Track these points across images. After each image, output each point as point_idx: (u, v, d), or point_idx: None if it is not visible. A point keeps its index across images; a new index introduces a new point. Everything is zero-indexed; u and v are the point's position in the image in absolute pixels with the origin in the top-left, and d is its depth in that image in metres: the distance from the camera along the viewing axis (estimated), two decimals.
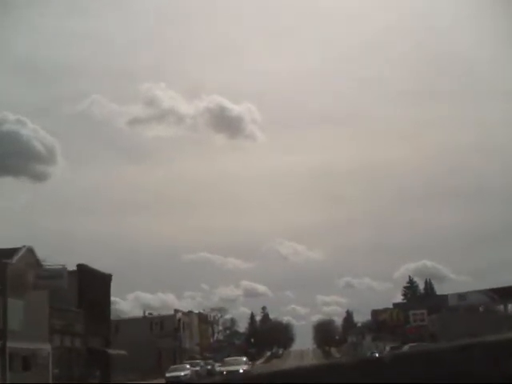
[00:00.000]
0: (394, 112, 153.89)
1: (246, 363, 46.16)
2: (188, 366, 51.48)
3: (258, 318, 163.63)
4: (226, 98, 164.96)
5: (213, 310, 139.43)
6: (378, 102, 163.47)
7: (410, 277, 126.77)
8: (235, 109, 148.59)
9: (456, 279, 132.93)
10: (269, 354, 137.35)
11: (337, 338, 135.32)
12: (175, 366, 51.79)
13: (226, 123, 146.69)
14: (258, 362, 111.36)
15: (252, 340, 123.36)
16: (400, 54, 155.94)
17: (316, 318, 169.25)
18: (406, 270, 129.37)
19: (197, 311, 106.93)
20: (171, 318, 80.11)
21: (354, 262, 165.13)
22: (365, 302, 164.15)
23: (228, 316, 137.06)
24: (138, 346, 68.14)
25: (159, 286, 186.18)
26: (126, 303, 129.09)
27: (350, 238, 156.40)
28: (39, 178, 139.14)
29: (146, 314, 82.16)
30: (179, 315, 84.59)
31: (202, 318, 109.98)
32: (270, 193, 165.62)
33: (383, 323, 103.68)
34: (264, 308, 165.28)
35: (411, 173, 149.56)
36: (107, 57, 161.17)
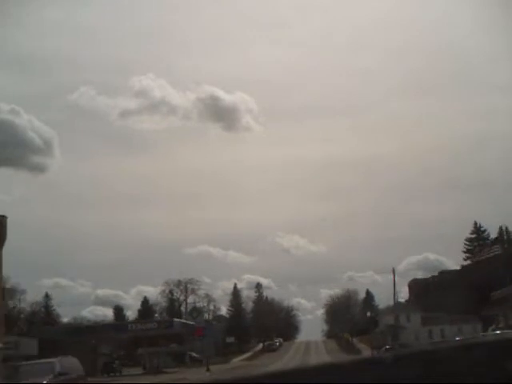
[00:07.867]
0: (392, 104, 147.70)
1: None
2: None
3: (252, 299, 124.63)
4: (219, 87, 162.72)
5: (181, 282, 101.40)
6: (376, 94, 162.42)
7: (475, 222, 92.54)
8: (229, 99, 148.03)
9: None
10: (261, 346, 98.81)
11: (368, 315, 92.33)
12: None
13: (220, 114, 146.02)
14: (238, 359, 72.99)
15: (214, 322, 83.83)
16: (399, 45, 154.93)
17: (322, 312, 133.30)
18: (408, 263, 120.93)
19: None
20: None
21: (356, 256, 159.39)
22: None
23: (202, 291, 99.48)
24: None
25: (161, 280, 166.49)
26: (129, 297, 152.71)
27: (351, 231, 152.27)
28: (37, 169, 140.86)
29: None
30: None
31: None
32: (268, 185, 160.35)
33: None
34: (259, 286, 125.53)
35: (410, 165, 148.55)
36: (96, 48, 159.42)
